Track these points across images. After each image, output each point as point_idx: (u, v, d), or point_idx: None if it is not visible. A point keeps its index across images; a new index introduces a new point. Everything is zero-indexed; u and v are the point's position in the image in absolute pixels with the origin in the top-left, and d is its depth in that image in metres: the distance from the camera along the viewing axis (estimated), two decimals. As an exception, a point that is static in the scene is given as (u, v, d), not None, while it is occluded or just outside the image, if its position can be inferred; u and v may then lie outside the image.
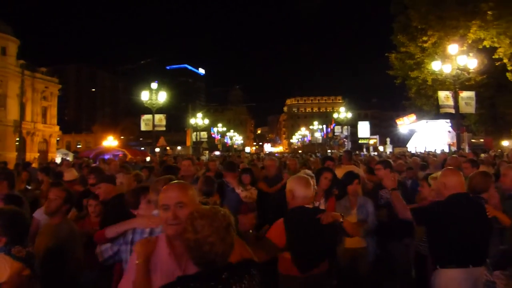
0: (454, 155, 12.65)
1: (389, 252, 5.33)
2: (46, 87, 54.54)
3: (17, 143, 37.52)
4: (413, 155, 17.89)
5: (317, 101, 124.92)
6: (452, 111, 19.86)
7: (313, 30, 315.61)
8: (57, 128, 57.22)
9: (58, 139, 59.86)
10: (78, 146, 67.67)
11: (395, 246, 5.24)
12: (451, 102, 19.68)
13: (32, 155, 46.84)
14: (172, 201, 2.09)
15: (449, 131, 29.95)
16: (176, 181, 2.45)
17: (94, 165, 9.36)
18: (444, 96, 20.22)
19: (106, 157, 23.32)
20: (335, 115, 46.57)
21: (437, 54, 24.16)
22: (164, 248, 2.15)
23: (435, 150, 26.06)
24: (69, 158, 36.86)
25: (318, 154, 24.89)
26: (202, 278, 1.82)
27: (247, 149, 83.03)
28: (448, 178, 3.58)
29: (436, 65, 19.30)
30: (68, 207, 3.84)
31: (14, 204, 3.67)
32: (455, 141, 27.37)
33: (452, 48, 18.31)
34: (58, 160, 22.78)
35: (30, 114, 50.81)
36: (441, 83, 24.60)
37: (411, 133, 36.90)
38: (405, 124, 37.97)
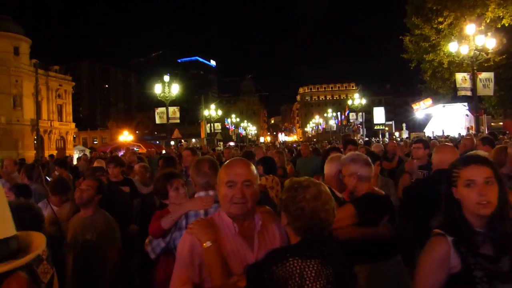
0: (467, 136, 12.36)
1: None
2: (60, 85, 55.32)
3: (35, 142, 38.17)
4: (431, 139, 17.55)
5: (330, 89, 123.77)
6: (470, 93, 19.35)
7: (325, 17, 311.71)
8: (73, 125, 58.12)
9: (74, 136, 60.84)
10: (94, 142, 68.57)
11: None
12: (468, 84, 19.16)
13: (50, 153, 47.71)
14: (239, 178, 1.97)
15: (466, 115, 29.28)
16: (239, 158, 2.33)
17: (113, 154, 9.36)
18: (462, 78, 19.68)
19: (122, 151, 23.65)
20: (349, 102, 46.04)
21: (453, 35, 23.51)
22: (227, 229, 2.01)
23: (454, 134, 25.57)
24: (87, 154, 37.46)
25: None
26: (312, 245, 1.74)
27: (261, 139, 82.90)
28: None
29: (453, 47, 18.77)
30: (100, 197, 3.79)
31: (23, 194, 3.65)
32: (473, 124, 26.85)
33: (470, 28, 17.75)
34: (76, 156, 23.10)
35: (46, 113, 51.71)
36: (457, 65, 23.96)
37: (428, 118, 36.21)
38: (421, 108, 37.25)
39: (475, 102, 19.51)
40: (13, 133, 46.40)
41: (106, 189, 4.56)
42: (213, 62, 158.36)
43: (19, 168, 6.92)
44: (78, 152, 47.00)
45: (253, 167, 2.08)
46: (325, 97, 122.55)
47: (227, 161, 2.16)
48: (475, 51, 17.32)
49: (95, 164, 5.65)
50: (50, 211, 4.32)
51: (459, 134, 23.52)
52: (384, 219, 2.92)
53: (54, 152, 49.31)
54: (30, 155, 41.30)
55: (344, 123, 66.07)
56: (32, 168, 5.42)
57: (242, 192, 1.95)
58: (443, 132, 27.14)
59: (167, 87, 22.93)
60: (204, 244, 1.93)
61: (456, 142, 14.21)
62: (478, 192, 1.77)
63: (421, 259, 1.87)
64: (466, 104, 28.88)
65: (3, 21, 47.51)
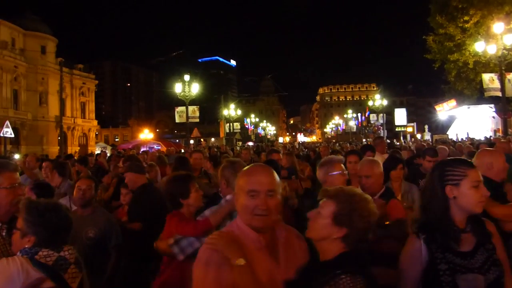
0: (503, 140, 11.92)
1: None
2: (83, 83, 56.54)
3: (58, 138, 39.08)
4: (455, 142, 17.11)
5: (350, 89, 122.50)
6: (498, 94, 18.76)
7: (346, 16, 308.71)
8: (95, 122, 59.30)
9: (96, 133, 62.04)
10: (116, 140, 69.75)
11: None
12: (496, 84, 18.60)
13: (73, 149, 48.78)
14: (263, 187, 1.76)
15: (493, 117, 28.43)
16: (261, 164, 2.15)
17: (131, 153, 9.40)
18: (489, 78, 19.13)
19: (143, 149, 23.94)
20: (370, 103, 45.37)
21: (480, 34, 22.81)
22: (251, 242, 1.79)
23: (479, 137, 24.87)
24: (108, 151, 38.12)
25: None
26: (356, 258, 1.70)
27: (280, 139, 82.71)
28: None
29: (479, 46, 18.23)
30: (95, 195, 3.99)
31: (44, 194, 3.63)
32: (500, 127, 26.01)
33: (498, 26, 17.18)
34: (97, 153, 23.52)
35: (69, 110, 52.93)
36: (484, 65, 23.27)
37: (451, 120, 35.32)
38: (444, 110, 36.33)
39: (503, 104, 18.89)
40: (38, 129, 47.63)
41: (146, 188, 4.44)
42: (233, 62, 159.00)
43: (41, 164, 7.00)
44: (99, 149, 48.00)
45: (276, 174, 1.87)
46: (345, 97, 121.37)
47: (248, 166, 1.97)
48: (504, 51, 16.77)
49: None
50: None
51: (485, 137, 22.85)
52: None
53: (77, 149, 50.46)
54: (54, 151, 42.29)
55: (364, 124, 65.24)
56: (64, 166, 5.48)
57: (266, 203, 1.75)
58: (468, 135, 26.43)
59: (187, 87, 23.10)
60: (236, 262, 1.68)
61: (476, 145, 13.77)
62: (483, 193, 1.98)
63: (401, 254, 2.09)
64: (492, 105, 28.05)
65: (32, 21, 48.90)
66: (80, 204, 3.77)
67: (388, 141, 26.38)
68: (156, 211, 3.87)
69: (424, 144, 14.45)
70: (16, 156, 12.70)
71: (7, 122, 17.20)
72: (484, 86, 19.46)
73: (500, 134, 22.65)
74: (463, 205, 1.97)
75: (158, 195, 4.42)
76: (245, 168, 1.92)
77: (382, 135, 45.53)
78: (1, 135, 16.70)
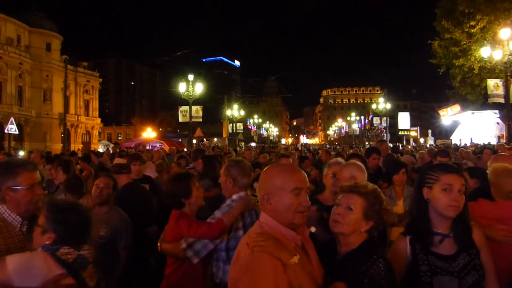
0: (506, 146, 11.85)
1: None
2: (87, 81, 56.69)
3: (62, 135, 39.18)
4: (457, 147, 17.02)
5: (354, 92, 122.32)
6: (502, 100, 18.69)
7: (352, 20, 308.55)
8: (98, 120, 59.44)
9: (100, 131, 62.17)
10: (119, 138, 69.87)
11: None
12: (501, 91, 18.53)
13: (76, 146, 48.92)
14: (304, 184, 1.83)
15: (497, 123, 28.34)
16: (289, 164, 2.29)
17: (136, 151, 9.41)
18: (494, 84, 19.06)
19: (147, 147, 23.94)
20: (373, 106, 45.28)
21: (486, 40, 22.71)
22: (289, 241, 1.80)
23: (483, 143, 24.77)
24: (111, 149, 38.18)
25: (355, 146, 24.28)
26: (377, 242, 2.01)
27: (283, 141, 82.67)
28: None
29: (485, 52, 18.16)
30: (115, 193, 3.88)
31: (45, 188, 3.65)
32: (504, 133, 25.89)
33: (504, 32, 17.09)
34: (100, 151, 23.57)
35: (73, 107, 53.09)
36: (489, 71, 23.18)
37: (455, 125, 35.24)
38: (448, 115, 36.25)
39: (508, 110, 18.81)
40: (42, 126, 47.79)
41: (129, 186, 4.57)
42: (237, 62, 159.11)
43: (46, 161, 7.02)
44: (102, 146, 48.07)
45: None
46: (349, 100, 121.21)
47: (281, 165, 2.00)
48: (510, 57, 16.68)
49: (115, 162, 5.68)
50: None
51: (489, 143, 22.75)
52: None
53: (80, 146, 50.59)
54: (57, 148, 42.40)
55: (367, 127, 65.13)
56: (68, 164, 5.50)
57: (307, 199, 1.81)
58: (471, 140, 26.34)
59: (191, 86, 23.10)
60: (291, 260, 1.67)
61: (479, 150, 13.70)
62: (453, 197, 2.03)
63: (388, 253, 2.22)
64: (497, 111, 27.96)
65: (38, 18, 49.09)
66: (97, 202, 3.75)
67: (391, 145, 26.24)
68: (133, 211, 3.93)
69: (435, 148, 14.44)
70: (21, 153, 12.73)
71: (12, 119, 17.22)
72: (489, 92, 19.39)
73: (504, 140, 22.56)
74: (435, 207, 2.07)
75: (139, 195, 4.64)
76: (278, 167, 1.93)
77: (385, 138, 45.46)
78: (6, 131, 16.74)
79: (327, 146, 34.16)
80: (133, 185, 4.78)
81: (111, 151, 13.80)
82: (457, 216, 2.06)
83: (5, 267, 1.81)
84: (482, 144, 21.65)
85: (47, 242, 2.04)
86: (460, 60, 25.77)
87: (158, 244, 3.06)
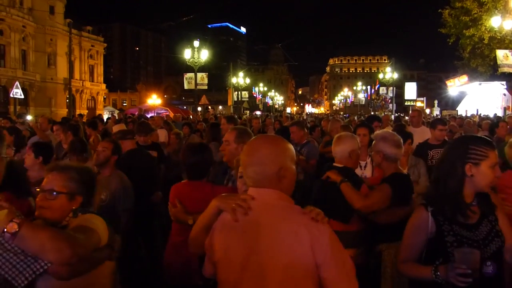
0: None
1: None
2: (92, 45, 56.08)
3: (67, 100, 39.26)
4: (463, 119, 16.96)
5: (361, 61, 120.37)
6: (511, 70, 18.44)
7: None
8: (103, 86, 59.24)
9: (104, 97, 62.09)
10: (123, 104, 69.82)
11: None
12: (510, 61, 18.24)
13: (81, 112, 49.06)
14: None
15: (504, 94, 28.00)
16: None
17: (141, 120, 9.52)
18: (503, 54, 18.73)
19: (151, 114, 24.06)
20: (380, 76, 44.71)
21: (497, 9, 22.14)
22: None
23: (489, 114, 24.61)
24: (116, 115, 38.25)
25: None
26: None
27: (288, 110, 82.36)
28: None
29: (495, 21, 17.76)
30: (116, 158, 3.85)
31: (43, 153, 3.67)
32: (510, 104, 25.66)
33: (516, 1, 16.72)
34: (105, 116, 23.68)
35: (78, 73, 52.80)
36: (499, 41, 22.71)
37: (462, 96, 34.84)
38: (455, 85, 35.77)
39: (515, 81, 18.63)
40: (46, 91, 47.78)
41: (133, 152, 4.63)
42: (243, 29, 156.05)
43: (52, 126, 7.17)
44: (107, 112, 48.16)
45: None
46: (355, 69, 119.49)
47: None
48: (520, 27, 16.36)
49: (114, 129, 5.77)
50: None
51: (495, 114, 22.61)
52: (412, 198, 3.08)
53: (85, 112, 50.75)
54: (62, 113, 42.57)
55: (373, 97, 64.57)
56: (77, 128, 5.62)
57: None
58: (477, 111, 26.16)
59: (196, 53, 22.91)
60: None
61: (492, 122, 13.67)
62: (497, 174, 2.08)
63: (407, 224, 2.22)
64: (504, 82, 27.57)
65: (39, -20, 47.94)
66: (94, 164, 3.82)
67: (396, 114, 26.23)
68: (136, 176, 3.98)
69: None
70: (28, 117, 12.84)
71: (17, 83, 17.34)
72: (498, 62, 19.08)
73: (510, 111, 22.42)
74: (477, 183, 2.05)
75: (143, 160, 4.68)
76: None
77: (390, 108, 45.18)
78: (11, 95, 16.88)
79: (331, 116, 34.05)
80: (136, 150, 4.82)
81: (117, 117, 13.92)
82: None
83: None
84: (486, 115, 21.53)
85: (74, 207, 2.00)
86: (471, 30, 25.16)
87: (171, 213, 3.02)
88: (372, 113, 54.48)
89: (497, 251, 2.04)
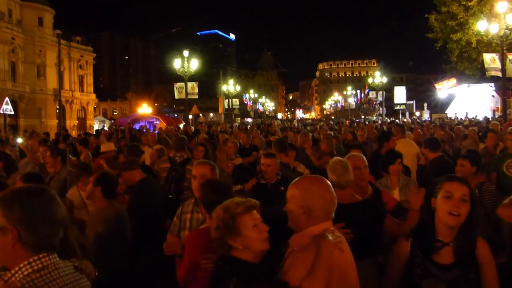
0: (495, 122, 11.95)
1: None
2: (81, 56, 55.75)
3: (57, 111, 38.88)
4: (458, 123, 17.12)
5: (350, 65, 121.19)
6: (499, 74, 18.69)
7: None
8: (93, 96, 58.82)
9: (95, 106, 61.63)
10: (114, 113, 69.45)
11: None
12: (497, 64, 18.50)
13: (71, 122, 48.65)
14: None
15: (492, 96, 28.39)
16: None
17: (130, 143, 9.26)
18: (490, 58, 19.02)
19: (141, 124, 23.92)
20: (369, 80, 45.03)
21: (483, 13, 22.50)
22: None
23: (476, 116, 24.89)
24: (106, 125, 37.97)
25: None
26: None
27: (279, 115, 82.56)
28: None
29: (482, 25, 18.02)
30: (99, 188, 3.65)
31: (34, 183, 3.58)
32: (499, 106, 26.02)
33: (501, 5, 16.90)
34: (96, 127, 23.50)
35: (68, 83, 52.37)
36: (486, 44, 23.04)
37: (451, 98, 35.26)
38: (444, 88, 36.20)
39: (503, 83, 18.85)
40: (36, 102, 47.30)
41: (145, 183, 4.39)
42: (232, 36, 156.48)
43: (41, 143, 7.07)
44: (98, 122, 47.80)
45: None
46: (345, 73, 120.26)
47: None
48: (506, 30, 16.57)
49: (103, 149, 5.56)
50: (78, 196, 4.41)
51: (485, 116, 22.90)
52: None
53: (75, 122, 50.29)
54: (52, 124, 42.10)
55: (363, 101, 65.03)
56: (65, 153, 5.49)
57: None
58: (467, 114, 26.47)
59: (186, 62, 22.88)
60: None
61: (481, 125, 13.81)
62: (453, 204, 2.04)
63: (390, 251, 2.36)
64: (493, 84, 27.93)
65: (28, -9, 47.63)
66: (87, 198, 3.84)
67: (384, 119, 26.36)
68: (153, 206, 3.93)
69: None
70: (19, 140, 12.27)
71: (7, 99, 17.11)
72: (485, 66, 19.36)
73: (499, 113, 22.72)
74: (437, 215, 2.11)
75: (156, 189, 4.57)
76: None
77: (380, 112, 45.51)
78: (1, 111, 16.64)
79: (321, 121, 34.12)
80: (148, 180, 4.52)
81: (107, 131, 13.80)
82: (462, 227, 2.07)
83: None
84: (474, 117, 21.77)
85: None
86: (458, 34, 25.48)
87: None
88: (363, 117, 54.81)
89: None
